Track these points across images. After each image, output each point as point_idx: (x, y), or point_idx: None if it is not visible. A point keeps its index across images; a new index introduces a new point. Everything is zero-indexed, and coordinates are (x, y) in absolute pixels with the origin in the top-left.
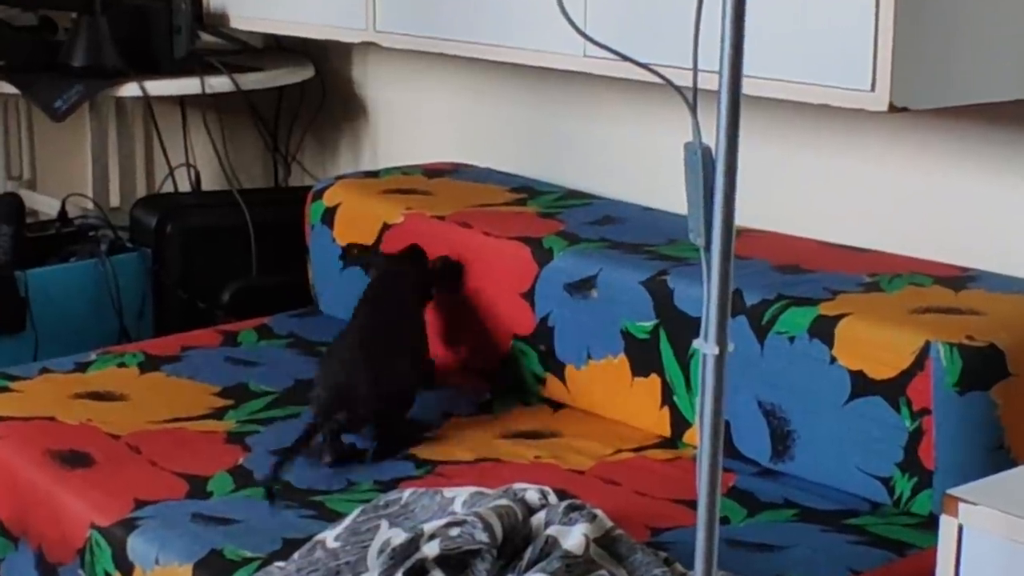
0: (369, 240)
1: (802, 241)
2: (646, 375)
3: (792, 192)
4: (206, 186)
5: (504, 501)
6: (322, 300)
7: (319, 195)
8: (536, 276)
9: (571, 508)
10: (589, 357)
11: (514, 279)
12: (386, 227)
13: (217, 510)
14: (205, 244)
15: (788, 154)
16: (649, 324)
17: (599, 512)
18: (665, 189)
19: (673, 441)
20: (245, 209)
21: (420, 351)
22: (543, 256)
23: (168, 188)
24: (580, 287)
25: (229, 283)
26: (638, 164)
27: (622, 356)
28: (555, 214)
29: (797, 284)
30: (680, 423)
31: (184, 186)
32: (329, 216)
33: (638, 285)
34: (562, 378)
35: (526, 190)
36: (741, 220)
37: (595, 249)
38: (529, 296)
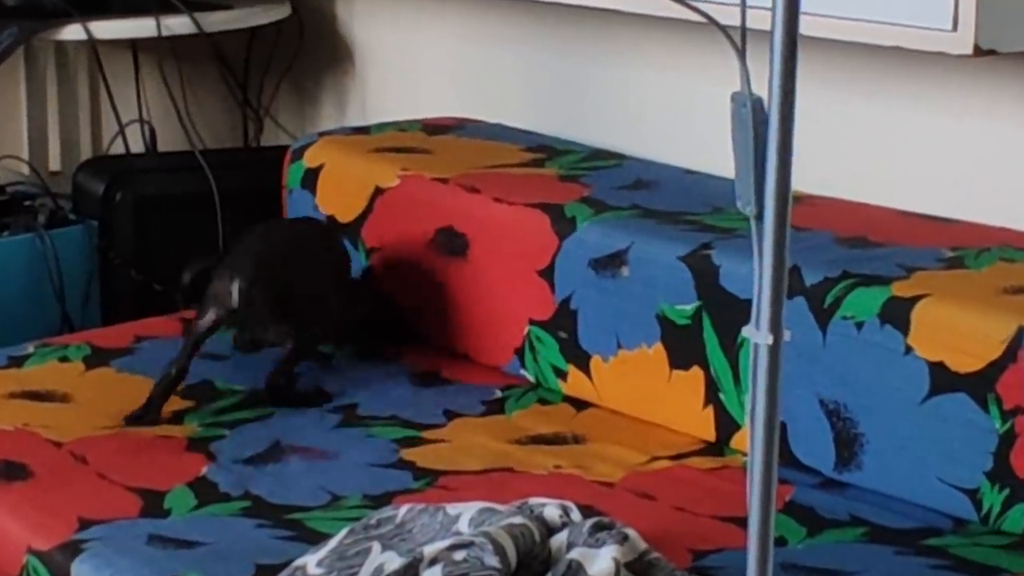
0: (359, 207)
1: (871, 209)
2: (686, 368)
3: (859, 151)
4: (163, 146)
5: (518, 519)
6: None
7: (298, 155)
8: (556, 251)
9: (598, 527)
10: (619, 347)
11: (530, 254)
12: (378, 192)
13: (177, 531)
14: (162, 215)
15: (854, 106)
16: (690, 308)
17: (631, 532)
18: (708, 148)
19: (719, 447)
20: (210, 173)
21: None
22: (564, 227)
23: (118, 149)
24: (608, 264)
25: (191, 262)
26: (676, 118)
27: (658, 346)
28: (578, 177)
29: (866, 260)
30: (727, 425)
31: (137, 146)
32: (310, 180)
33: (677, 261)
34: (587, 372)
35: (544, 149)
36: (799, 184)
37: (626, 219)
38: (548, 274)
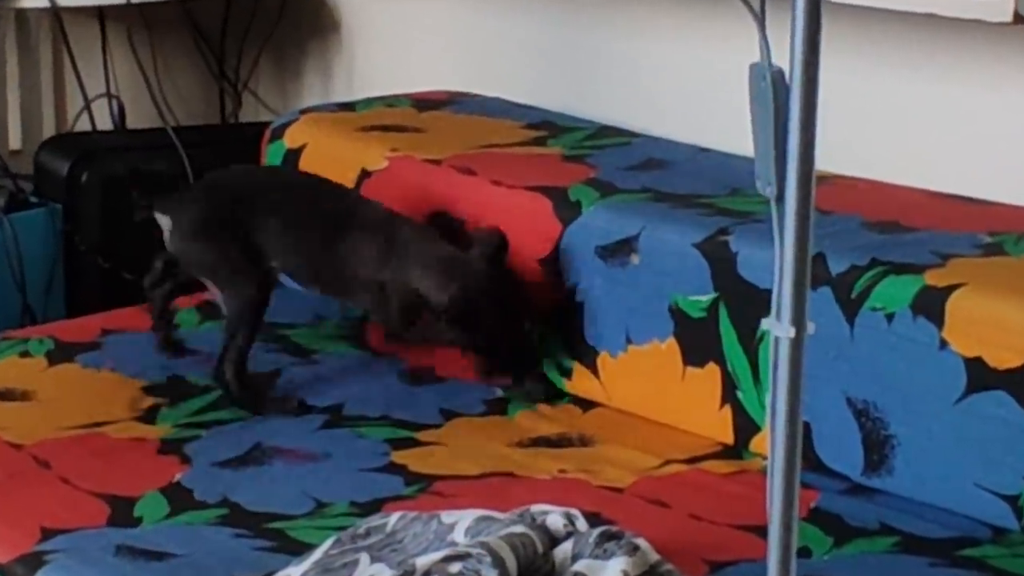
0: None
1: (903, 191)
2: (702, 365)
3: (889, 127)
4: (132, 123)
5: (519, 528)
6: None
7: (279, 133)
8: (560, 237)
9: (606, 537)
10: (628, 342)
11: (531, 241)
12: (365, 175)
13: (148, 541)
14: (132, 198)
15: (883, 79)
16: (706, 299)
17: (641, 542)
18: (725, 124)
19: (737, 449)
20: (183, 152)
21: None
22: (569, 211)
23: (84, 126)
24: (617, 251)
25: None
26: (690, 92)
27: (671, 340)
28: (584, 157)
29: (897, 246)
30: (746, 426)
31: (105, 123)
32: (292, 160)
33: (691, 248)
34: (594, 369)
35: (546, 126)
36: (823, 164)
37: (636, 202)
38: (551, 263)
